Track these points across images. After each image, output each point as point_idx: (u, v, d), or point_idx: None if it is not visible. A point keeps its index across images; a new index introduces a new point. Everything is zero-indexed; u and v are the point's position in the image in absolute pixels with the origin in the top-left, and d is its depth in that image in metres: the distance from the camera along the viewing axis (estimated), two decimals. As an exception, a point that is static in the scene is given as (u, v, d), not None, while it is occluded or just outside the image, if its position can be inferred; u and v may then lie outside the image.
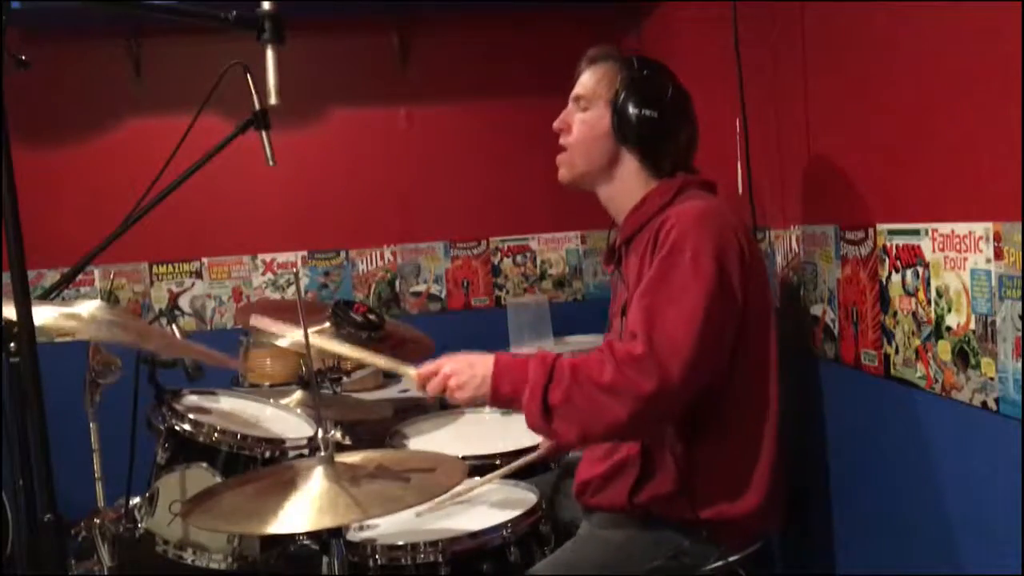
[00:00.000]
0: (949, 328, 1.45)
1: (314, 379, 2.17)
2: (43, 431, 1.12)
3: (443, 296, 3.59)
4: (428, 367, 1.66)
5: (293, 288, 3.46)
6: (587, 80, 1.79)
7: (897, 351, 1.61)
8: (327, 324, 2.25)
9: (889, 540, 1.69)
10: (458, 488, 1.82)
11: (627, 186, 1.77)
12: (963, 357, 1.41)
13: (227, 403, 2.15)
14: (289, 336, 2.04)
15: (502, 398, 1.60)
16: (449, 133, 3.48)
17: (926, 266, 1.50)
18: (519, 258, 3.62)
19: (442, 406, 2.44)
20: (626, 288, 1.75)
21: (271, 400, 2.22)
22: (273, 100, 1.68)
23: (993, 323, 1.33)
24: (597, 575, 1.64)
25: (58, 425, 1.25)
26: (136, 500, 1.87)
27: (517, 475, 1.97)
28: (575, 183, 1.82)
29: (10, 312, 1.12)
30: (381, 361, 1.80)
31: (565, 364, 1.55)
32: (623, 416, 1.51)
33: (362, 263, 3.55)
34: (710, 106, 2.47)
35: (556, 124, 1.81)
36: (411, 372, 1.69)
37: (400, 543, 1.66)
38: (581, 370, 1.54)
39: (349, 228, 3.53)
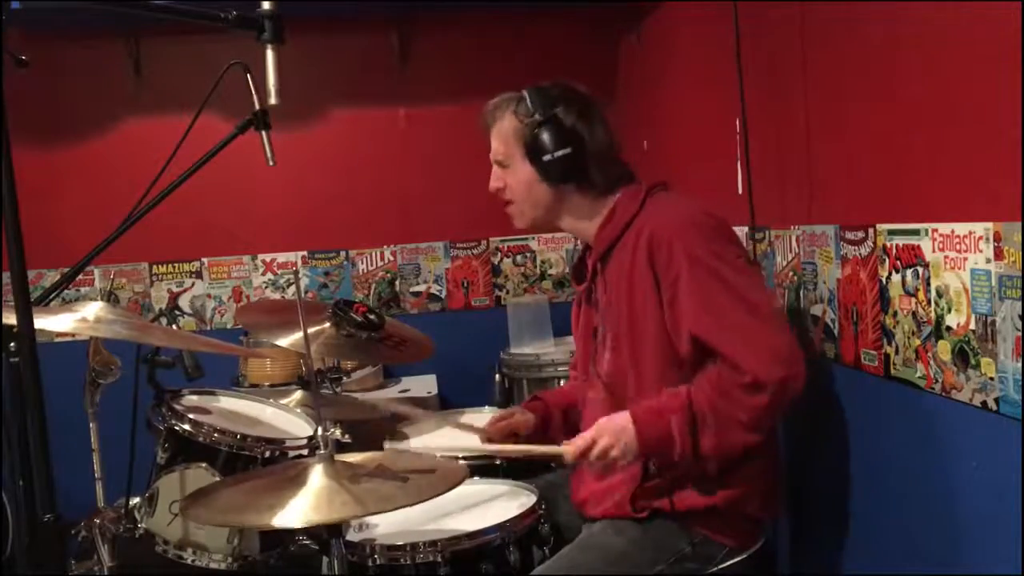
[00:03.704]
0: (949, 328, 1.45)
1: (314, 379, 2.17)
2: (43, 431, 1.12)
3: (443, 296, 3.59)
4: (580, 445, 1.64)
5: (293, 288, 3.46)
6: (495, 142, 1.83)
7: (897, 351, 1.61)
8: (327, 324, 2.25)
9: (889, 540, 1.69)
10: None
11: (584, 211, 1.81)
12: (963, 357, 1.41)
13: (227, 403, 2.15)
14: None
15: (652, 453, 1.63)
16: (449, 133, 3.47)
17: (926, 266, 1.50)
18: (519, 258, 3.62)
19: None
20: (605, 300, 1.78)
21: (271, 400, 2.21)
22: (273, 100, 1.68)
23: (993, 323, 1.33)
24: None
25: (58, 425, 1.25)
26: (136, 500, 1.87)
27: (518, 474, 1.98)
28: (533, 227, 1.88)
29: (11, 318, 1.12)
30: (531, 451, 1.82)
31: (704, 407, 1.58)
32: (760, 438, 1.61)
33: (362, 263, 3.55)
34: (710, 106, 2.48)
35: (492, 187, 1.86)
36: (563, 451, 1.67)
37: (399, 543, 1.66)
38: (721, 410, 1.57)
39: (349, 228, 3.53)
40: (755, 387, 1.55)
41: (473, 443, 1.99)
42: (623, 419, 1.61)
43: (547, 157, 1.75)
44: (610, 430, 1.61)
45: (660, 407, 1.61)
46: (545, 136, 1.74)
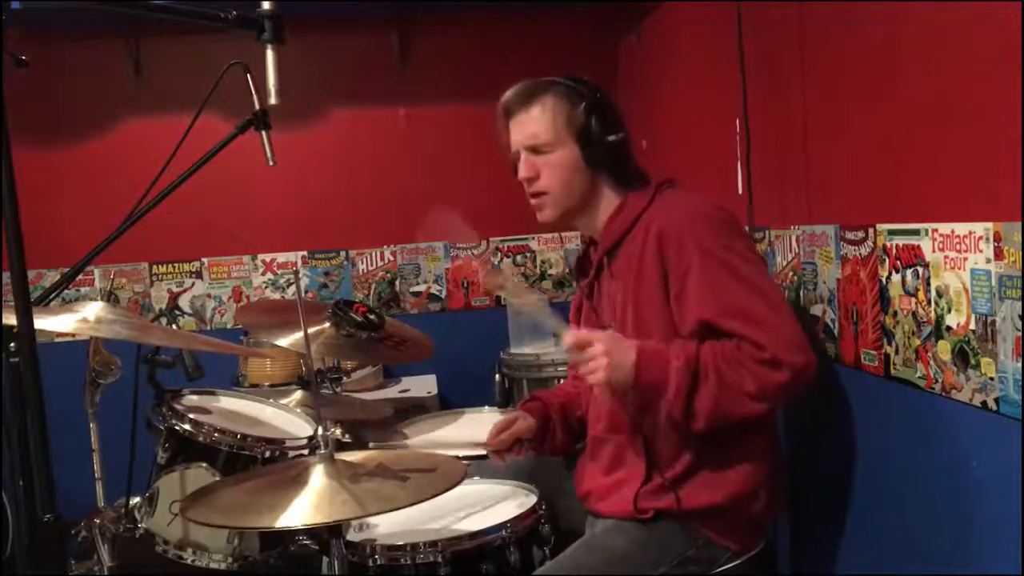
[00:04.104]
0: (949, 328, 1.45)
1: (314, 379, 2.18)
2: (43, 431, 1.12)
3: (443, 296, 3.59)
4: (582, 336, 1.59)
5: (293, 288, 3.46)
6: (538, 124, 1.75)
7: (897, 351, 1.61)
8: (327, 324, 2.25)
9: (889, 540, 1.69)
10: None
11: (605, 204, 1.79)
12: (963, 357, 1.41)
13: (227, 403, 2.15)
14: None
15: (642, 389, 1.59)
16: (449, 133, 3.48)
17: (926, 266, 1.50)
18: (519, 258, 3.62)
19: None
20: (611, 294, 1.77)
21: (271, 400, 2.22)
22: (273, 100, 1.68)
23: (993, 323, 1.33)
24: None
25: (58, 425, 1.25)
26: (136, 500, 1.87)
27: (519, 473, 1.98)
28: (562, 221, 1.82)
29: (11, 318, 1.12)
30: (532, 298, 1.77)
31: (709, 366, 1.55)
32: (761, 410, 1.58)
33: (362, 263, 3.55)
34: (710, 106, 2.48)
35: (524, 175, 1.78)
36: (565, 333, 1.62)
37: (400, 543, 1.66)
38: (727, 377, 1.54)
39: (349, 228, 3.53)
40: (775, 363, 1.53)
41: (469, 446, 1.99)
42: (629, 347, 1.58)
43: (601, 139, 1.72)
44: (612, 346, 1.57)
45: (667, 351, 1.58)
46: (598, 119, 1.72)
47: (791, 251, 2.03)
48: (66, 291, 2.95)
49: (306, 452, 1.91)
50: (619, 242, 1.75)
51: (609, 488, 1.74)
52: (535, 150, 1.76)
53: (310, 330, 2.01)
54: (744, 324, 1.56)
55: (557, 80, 1.78)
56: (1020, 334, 1.28)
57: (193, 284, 3.49)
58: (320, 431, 1.51)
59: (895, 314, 1.61)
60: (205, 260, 3.49)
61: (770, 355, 1.53)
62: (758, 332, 1.55)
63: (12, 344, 1.12)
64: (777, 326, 1.57)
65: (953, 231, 1.42)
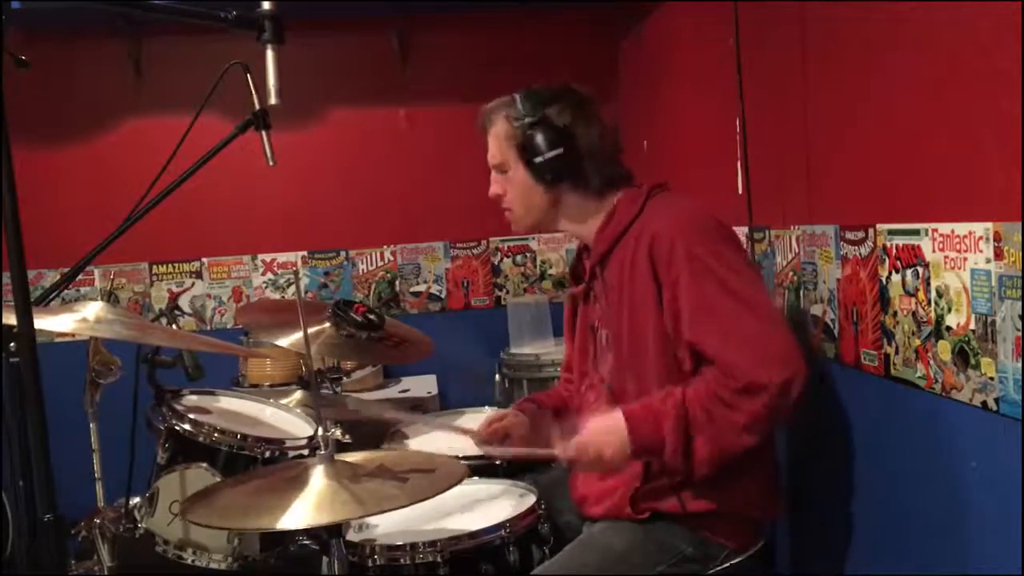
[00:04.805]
0: (949, 328, 1.45)
1: (314, 379, 2.17)
2: (43, 431, 1.12)
3: (443, 296, 3.59)
4: (572, 449, 1.62)
5: (293, 288, 3.46)
6: (492, 147, 1.83)
7: (897, 351, 1.61)
8: (327, 324, 2.25)
9: (889, 540, 1.69)
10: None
11: (581, 213, 1.81)
12: (963, 357, 1.41)
13: (227, 403, 2.15)
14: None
15: (643, 454, 1.61)
16: (449, 133, 3.47)
17: (926, 266, 1.50)
18: (519, 258, 3.62)
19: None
20: (604, 301, 1.77)
21: (271, 400, 2.22)
22: (273, 100, 1.67)
23: (993, 323, 1.33)
24: None
25: (58, 425, 1.25)
26: (136, 500, 1.87)
27: (518, 473, 1.98)
28: (532, 231, 1.89)
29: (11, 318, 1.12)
30: (524, 453, 1.85)
31: (698, 411, 1.55)
32: (757, 440, 1.57)
33: (362, 263, 3.55)
34: (710, 106, 2.48)
35: (492, 193, 1.86)
36: (557, 453, 1.66)
37: (399, 543, 1.66)
38: (716, 415, 1.54)
39: (349, 228, 3.53)
40: (750, 390, 1.52)
41: (467, 446, 2.00)
42: (616, 420, 1.59)
43: (539, 159, 1.74)
44: (602, 431, 1.60)
45: (654, 409, 1.59)
46: (536, 138, 1.74)
47: (791, 251, 2.03)
48: (66, 291, 2.95)
49: (306, 452, 1.91)
50: (610, 249, 1.76)
51: (604, 492, 1.74)
52: (498, 169, 1.84)
53: (310, 330, 2.01)
54: (721, 345, 1.56)
55: (513, 97, 1.80)
56: (1020, 334, 1.28)
57: (193, 284, 3.49)
58: (320, 431, 1.51)
59: (895, 314, 1.61)
60: (205, 260, 3.49)
61: (743, 382, 1.52)
62: (733, 354, 1.54)
63: (12, 344, 1.12)
64: (755, 343, 1.55)
65: (953, 231, 1.42)
